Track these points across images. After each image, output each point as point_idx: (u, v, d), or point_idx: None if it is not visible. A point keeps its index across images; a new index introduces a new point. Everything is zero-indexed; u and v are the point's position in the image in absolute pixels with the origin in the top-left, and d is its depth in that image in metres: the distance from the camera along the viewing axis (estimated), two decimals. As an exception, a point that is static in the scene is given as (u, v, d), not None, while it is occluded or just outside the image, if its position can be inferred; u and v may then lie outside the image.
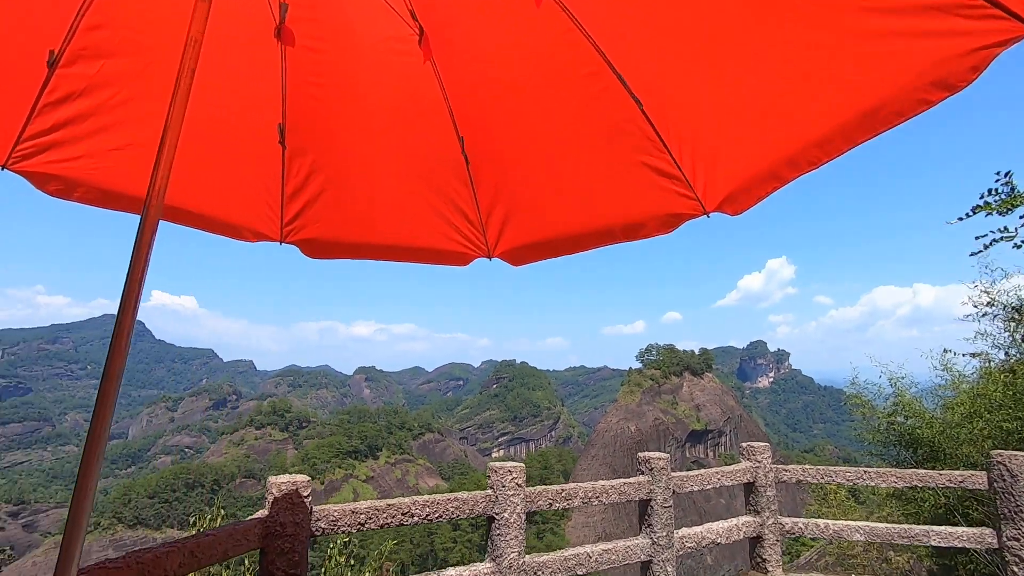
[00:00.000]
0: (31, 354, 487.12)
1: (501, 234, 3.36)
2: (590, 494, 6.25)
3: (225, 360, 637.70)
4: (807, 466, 7.77)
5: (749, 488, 7.79)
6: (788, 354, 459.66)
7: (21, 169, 2.73)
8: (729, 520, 7.55)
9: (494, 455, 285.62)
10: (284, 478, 5.01)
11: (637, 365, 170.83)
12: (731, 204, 2.57)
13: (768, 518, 7.62)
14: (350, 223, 3.58)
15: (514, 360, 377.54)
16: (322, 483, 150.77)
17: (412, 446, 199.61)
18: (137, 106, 2.80)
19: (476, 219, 3.37)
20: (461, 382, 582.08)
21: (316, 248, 3.62)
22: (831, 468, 7.59)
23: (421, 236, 3.52)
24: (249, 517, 4.91)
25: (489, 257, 3.43)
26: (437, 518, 5.53)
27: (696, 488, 7.21)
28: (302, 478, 5.12)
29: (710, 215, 2.70)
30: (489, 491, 5.82)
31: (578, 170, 2.99)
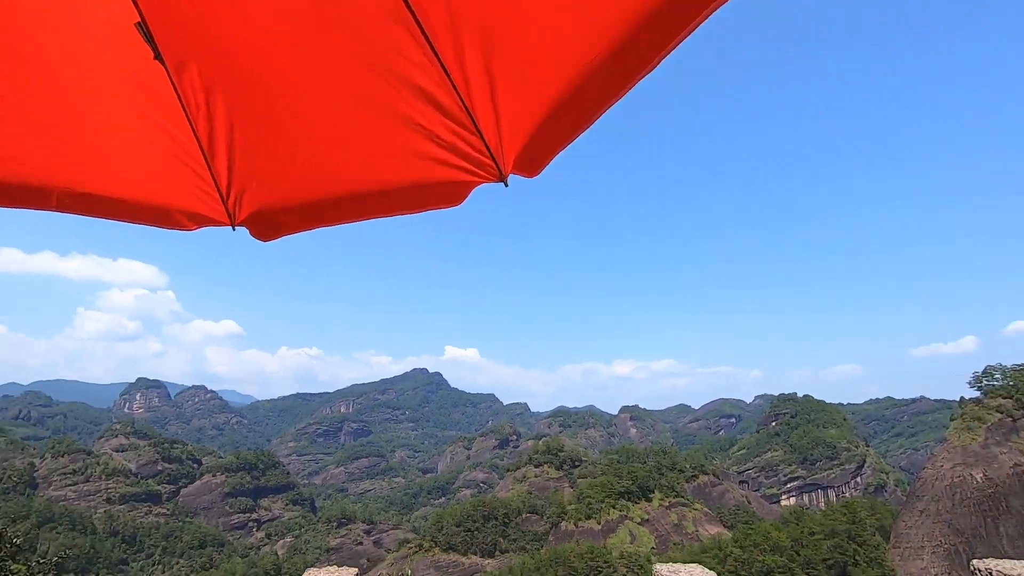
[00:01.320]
0: (369, 403, 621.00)
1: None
2: None
3: (505, 403, 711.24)
4: None
5: None
6: None
7: None
8: None
9: (783, 502, 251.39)
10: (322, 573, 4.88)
11: (972, 393, 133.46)
12: (527, 165, 2.20)
13: None
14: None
15: (794, 393, 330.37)
16: (599, 523, 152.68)
17: (686, 489, 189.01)
18: None
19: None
20: (733, 419, 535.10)
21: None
22: None
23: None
24: None
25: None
26: None
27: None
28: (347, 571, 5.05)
29: (507, 181, 2.33)
30: None
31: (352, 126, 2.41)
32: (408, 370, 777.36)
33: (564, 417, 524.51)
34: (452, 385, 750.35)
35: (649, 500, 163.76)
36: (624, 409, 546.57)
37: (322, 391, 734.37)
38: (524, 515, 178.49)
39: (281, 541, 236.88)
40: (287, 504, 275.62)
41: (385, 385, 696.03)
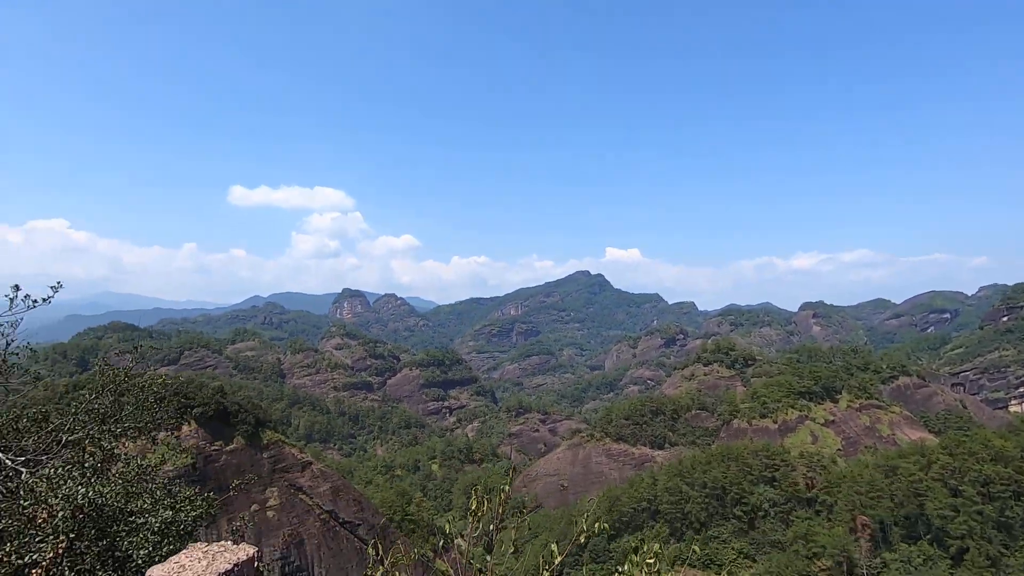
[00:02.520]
0: (536, 306, 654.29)
1: None
2: None
3: (670, 303, 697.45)
4: None
5: None
6: None
7: None
8: None
9: (1012, 408, 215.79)
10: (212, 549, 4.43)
11: None
12: None
13: None
14: None
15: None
16: (775, 422, 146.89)
17: (881, 391, 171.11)
18: None
19: None
20: (947, 315, 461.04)
21: None
22: None
23: None
24: None
25: None
26: None
27: None
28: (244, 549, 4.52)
29: None
30: None
31: None
32: (570, 273, 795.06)
33: (735, 316, 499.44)
34: (615, 287, 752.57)
35: (835, 401, 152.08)
36: (806, 306, 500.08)
37: (493, 295, 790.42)
38: (693, 411, 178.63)
39: (470, 425, 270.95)
40: (472, 395, 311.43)
41: (550, 288, 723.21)
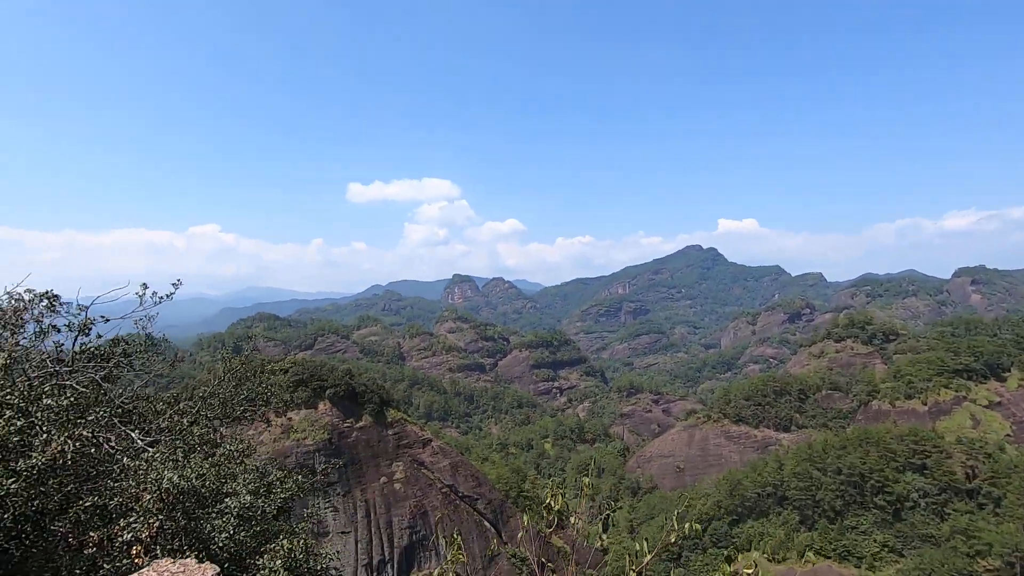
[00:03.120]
0: (644, 284, 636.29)
1: None
2: None
3: (793, 275, 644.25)
4: None
5: None
6: None
7: None
8: None
9: None
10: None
11: None
12: None
13: None
14: None
15: None
16: (924, 403, 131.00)
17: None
18: None
19: None
20: None
21: None
22: None
23: None
24: None
25: None
26: None
27: None
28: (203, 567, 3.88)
29: None
30: None
31: None
32: (680, 248, 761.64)
33: (872, 286, 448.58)
34: (729, 260, 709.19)
35: (1001, 380, 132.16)
36: (962, 272, 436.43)
37: (598, 275, 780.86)
38: (824, 392, 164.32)
39: (580, 405, 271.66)
40: (582, 375, 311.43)
41: (658, 265, 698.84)
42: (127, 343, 12.93)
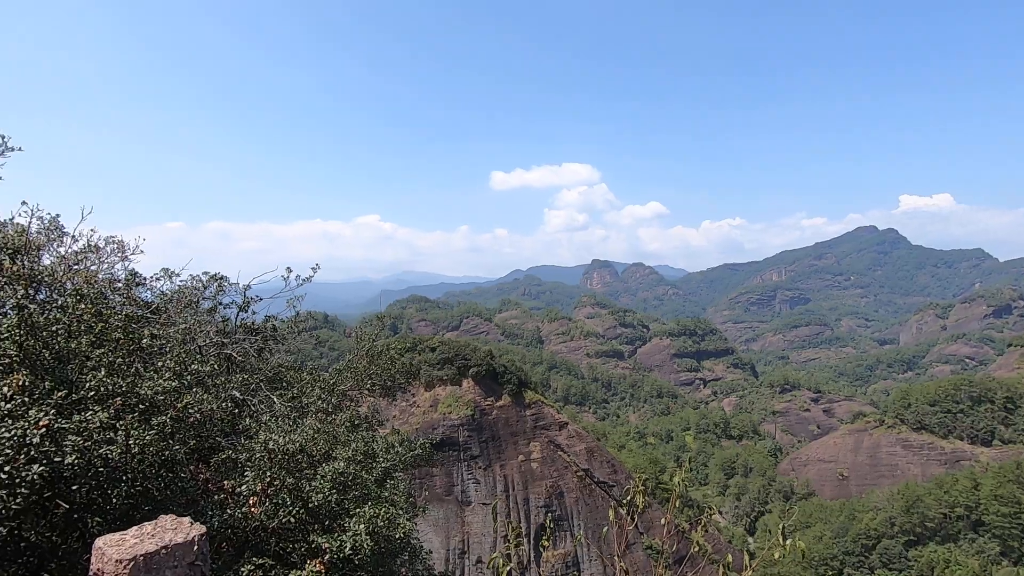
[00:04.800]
0: (804, 270, 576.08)
1: None
2: None
3: (1001, 260, 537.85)
4: None
5: None
6: None
7: None
8: None
9: None
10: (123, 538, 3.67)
11: None
12: None
13: None
14: None
15: None
16: None
17: None
18: None
19: None
20: None
21: None
22: None
23: None
24: None
25: None
26: None
27: None
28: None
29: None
30: None
31: None
32: (849, 230, 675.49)
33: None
34: (913, 243, 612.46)
35: None
36: None
37: (749, 260, 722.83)
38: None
39: (726, 399, 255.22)
40: (728, 367, 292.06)
41: (821, 249, 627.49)
42: (276, 320, 14.94)
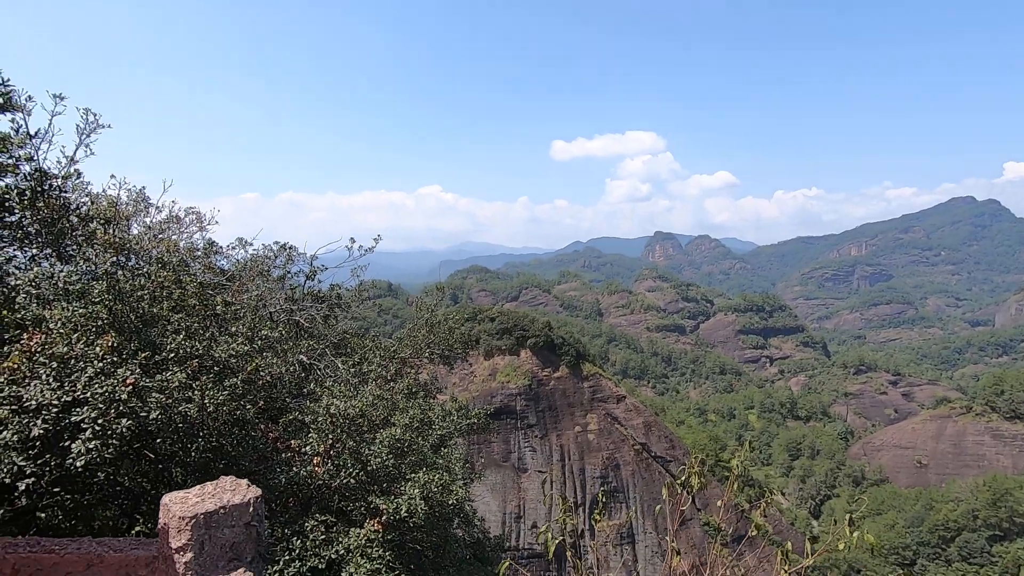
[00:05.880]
0: (887, 244, 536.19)
1: None
2: None
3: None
4: None
5: None
6: None
7: None
8: None
9: None
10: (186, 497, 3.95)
11: None
12: None
13: None
14: None
15: None
16: None
17: None
18: None
19: None
20: None
21: None
22: None
23: None
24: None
25: None
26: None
27: None
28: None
29: None
30: None
31: None
32: (942, 201, 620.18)
33: None
34: (1017, 215, 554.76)
35: None
36: None
37: (826, 233, 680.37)
38: None
39: (794, 379, 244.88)
40: (797, 345, 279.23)
41: (908, 222, 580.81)
42: (340, 288, 15.51)
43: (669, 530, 5.86)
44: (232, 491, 4.59)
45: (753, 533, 6.61)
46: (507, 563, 5.00)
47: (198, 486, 4.67)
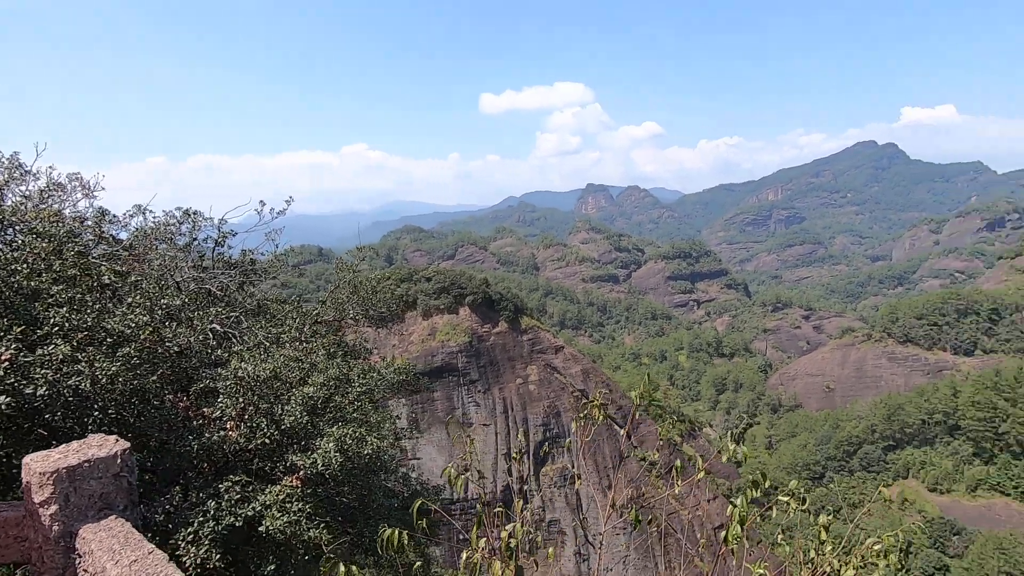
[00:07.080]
0: (800, 188, 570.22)
1: None
2: None
3: (999, 172, 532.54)
4: None
5: None
6: None
7: None
8: None
9: None
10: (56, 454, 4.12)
11: None
12: None
13: None
14: None
15: None
16: None
17: None
18: None
19: None
20: None
21: None
22: None
23: None
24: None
25: None
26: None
27: None
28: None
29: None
30: None
31: None
32: (848, 145, 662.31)
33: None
34: (912, 157, 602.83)
35: None
36: None
37: (746, 180, 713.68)
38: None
39: (719, 319, 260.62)
40: (722, 288, 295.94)
41: (819, 167, 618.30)
42: (253, 253, 14.87)
43: (576, 456, 6.21)
44: (99, 446, 4.57)
45: (683, 462, 7.10)
46: (420, 502, 5.17)
47: (63, 445, 4.62)
